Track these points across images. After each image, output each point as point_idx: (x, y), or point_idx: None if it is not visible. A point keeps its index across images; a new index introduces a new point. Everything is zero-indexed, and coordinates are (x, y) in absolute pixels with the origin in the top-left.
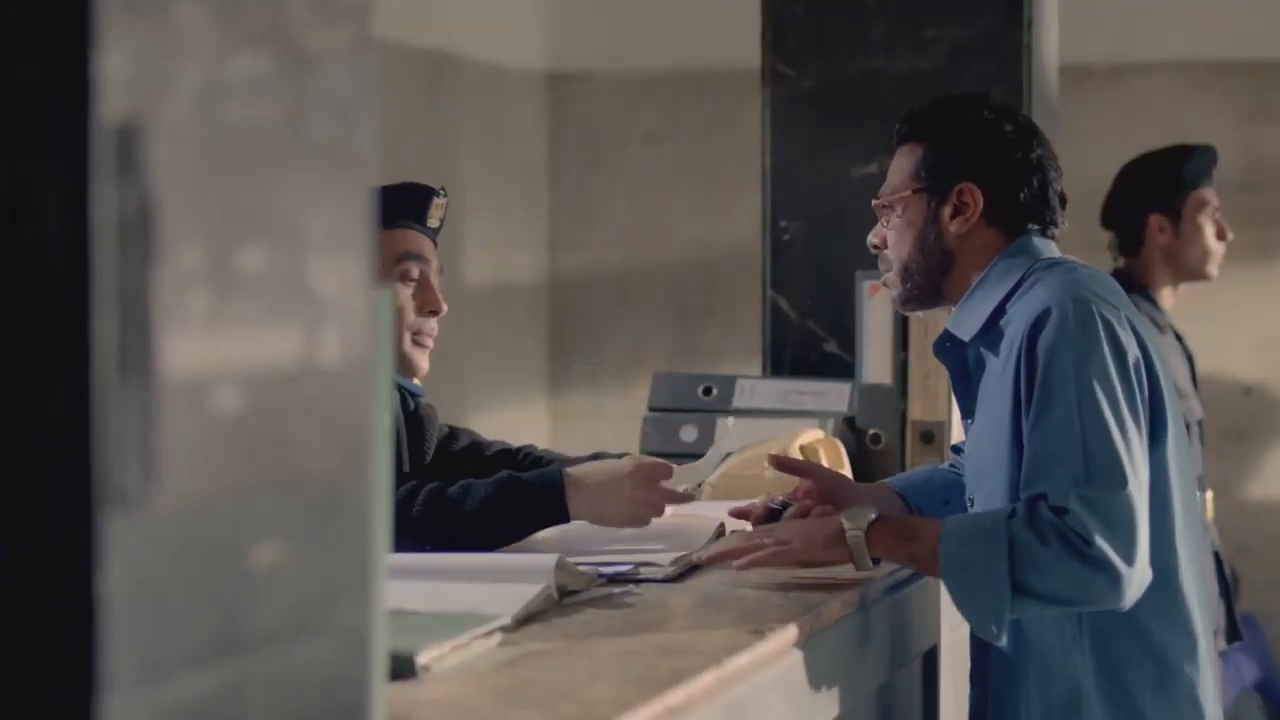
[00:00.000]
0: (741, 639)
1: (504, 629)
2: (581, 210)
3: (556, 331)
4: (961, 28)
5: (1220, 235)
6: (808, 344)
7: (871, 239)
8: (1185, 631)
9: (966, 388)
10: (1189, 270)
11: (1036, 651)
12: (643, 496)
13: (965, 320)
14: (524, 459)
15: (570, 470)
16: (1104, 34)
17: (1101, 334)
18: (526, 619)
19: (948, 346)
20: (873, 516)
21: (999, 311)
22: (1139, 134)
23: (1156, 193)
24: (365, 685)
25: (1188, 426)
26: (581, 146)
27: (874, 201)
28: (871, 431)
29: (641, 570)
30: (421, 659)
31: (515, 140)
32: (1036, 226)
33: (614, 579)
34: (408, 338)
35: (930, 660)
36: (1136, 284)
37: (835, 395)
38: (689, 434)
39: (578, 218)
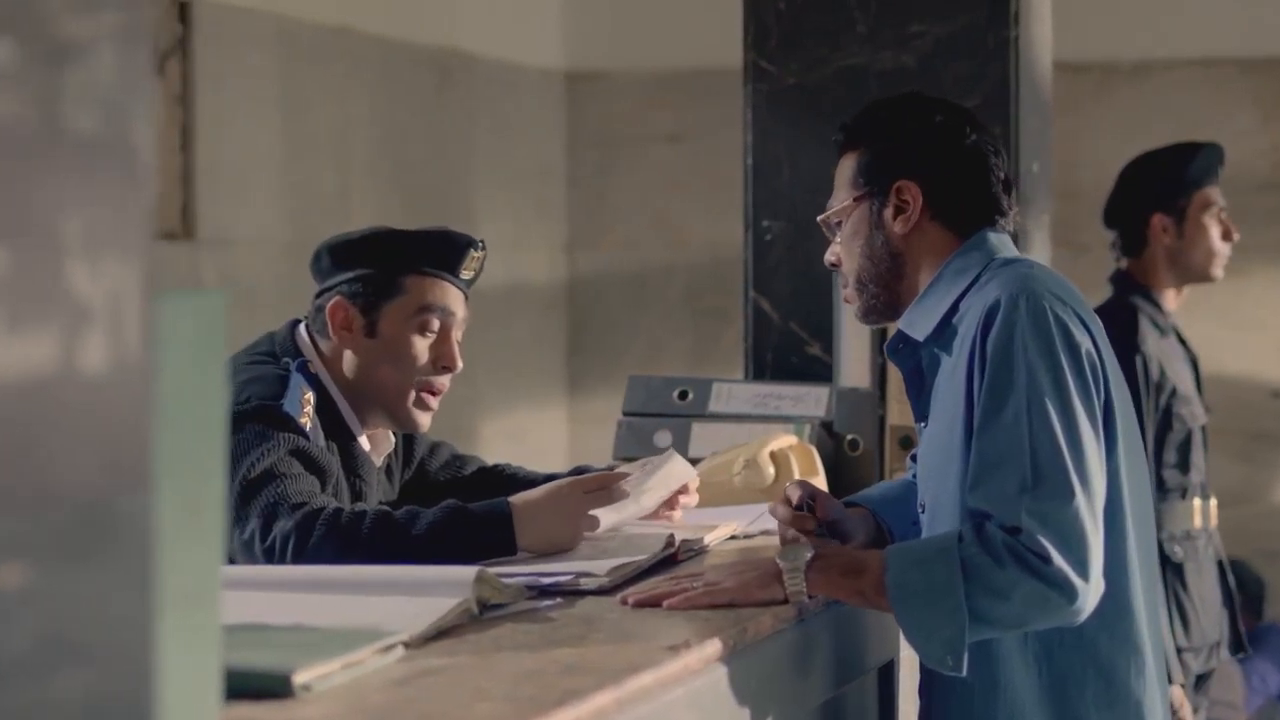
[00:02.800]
0: (655, 656)
1: (407, 645)
2: (599, 211)
3: (575, 334)
4: (946, 22)
5: (1226, 236)
6: (790, 346)
7: (828, 257)
8: (1133, 647)
9: (920, 390)
10: (1193, 272)
11: (982, 664)
12: (584, 510)
13: (919, 320)
14: (501, 476)
15: (516, 500)
16: (1127, 31)
17: (1054, 331)
18: (440, 634)
19: (901, 348)
20: (809, 555)
21: (952, 310)
22: (1163, 132)
23: (1160, 192)
24: (145, 716)
25: (1190, 432)
26: (600, 146)
27: (819, 218)
28: (850, 437)
29: (578, 582)
30: (300, 678)
31: (530, 140)
32: (985, 219)
33: (545, 591)
34: (412, 394)
35: (886, 675)
36: (1139, 286)
37: (813, 400)
38: (663, 439)
39: (596, 218)
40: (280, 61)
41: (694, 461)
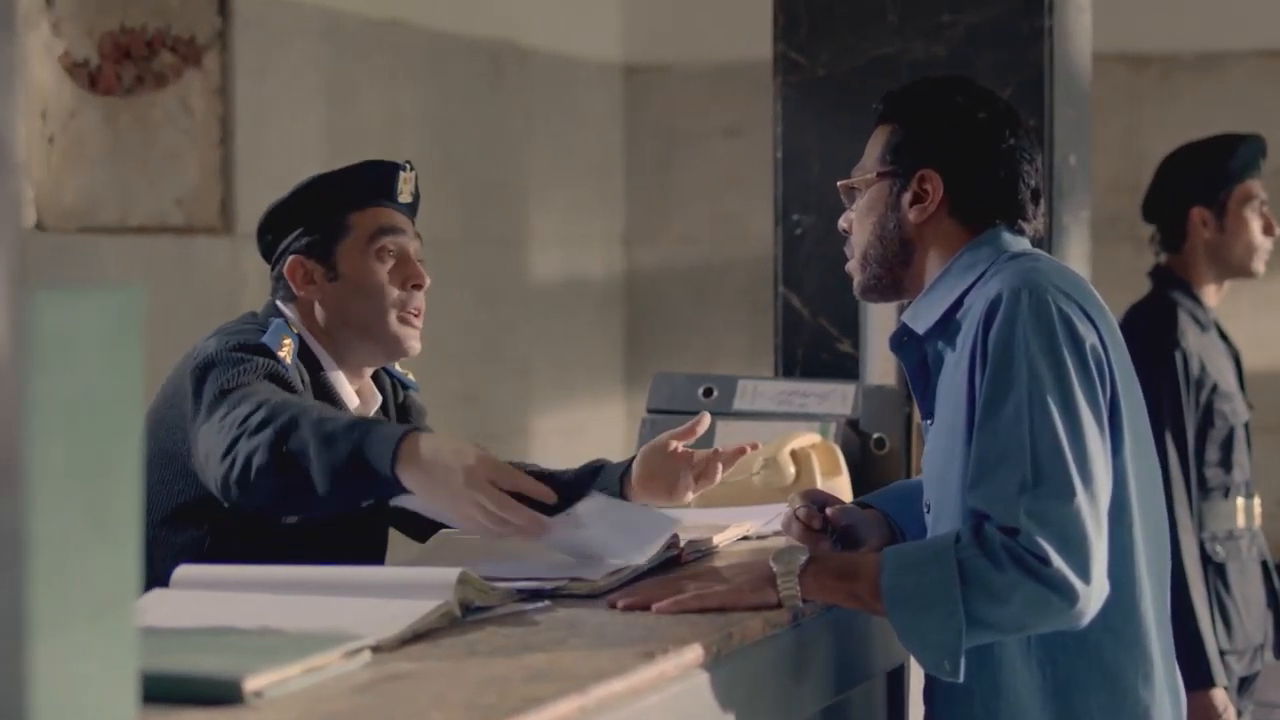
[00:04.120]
0: (628, 662)
1: (379, 648)
2: (658, 205)
3: (633, 329)
4: (978, 11)
5: (1268, 230)
6: (820, 343)
7: (841, 223)
8: (1140, 652)
9: (926, 386)
10: (1233, 267)
11: (984, 668)
12: (476, 498)
13: (922, 314)
14: None
15: (421, 438)
16: (1193, 22)
17: (1057, 325)
18: (417, 637)
19: (905, 341)
20: (803, 558)
21: (957, 304)
22: (1227, 124)
23: (1200, 185)
24: None
25: (1233, 429)
26: (658, 139)
27: (839, 183)
28: (876, 435)
29: (570, 585)
30: (253, 684)
31: (588, 133)
32: (1005, 222)
33: (535, 594)
34: (393, 315)
35: (896, 680)
36: (1179, 280)
37: (839, 397)
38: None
39: (654, 212)
40: (324, 54)
41: None
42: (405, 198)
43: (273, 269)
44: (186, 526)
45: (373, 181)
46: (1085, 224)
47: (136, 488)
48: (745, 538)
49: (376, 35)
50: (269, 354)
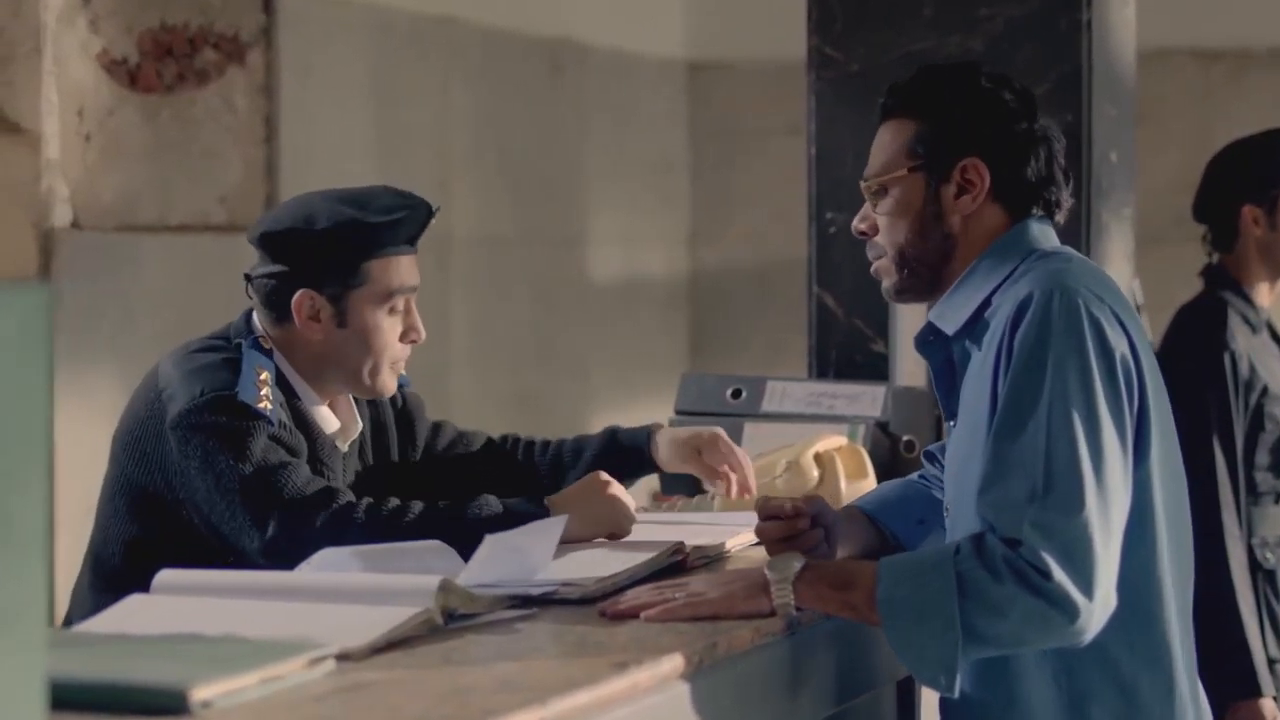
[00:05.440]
0: (601, 672)
1: (348, 657)
2: (722, 204)
3: (697, 330)
4: (1016, 4)
5: None
6: (854, 344)
7: (858, 224)
8: (1160, 666)
9: (951, 387)
10: None
11: (1000, 679)
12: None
13: (949, 313)
14: (511, 447)
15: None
16: (1265, 17)
17: (1087, 331)
18: (392, 645)
19: (931, 340)
20: (799, 566)
21: (985, 304)
22: None
23: (1251, 182)
24: None
25: None
26: (722, 137)
27: (862, 183)
28: (905, 438)
29: (561, 592)
30: (201, 693)
31: (650, 131)
32: (1040, 208)
33: (524, 601)
34: (386, 368)
35: (907, 689)
36: (1230, 280)
37: (869, 399)
38: None
39: (718, 212)
40: (373, 52)
41: None
42: (420, 239)
43: (269, 277)
44: (144, 559)
45: (404, 232)
46: (1128, 222)
47: (45, 494)
48: (759, 543)
49: (427, 32)
50: (249, 412)
